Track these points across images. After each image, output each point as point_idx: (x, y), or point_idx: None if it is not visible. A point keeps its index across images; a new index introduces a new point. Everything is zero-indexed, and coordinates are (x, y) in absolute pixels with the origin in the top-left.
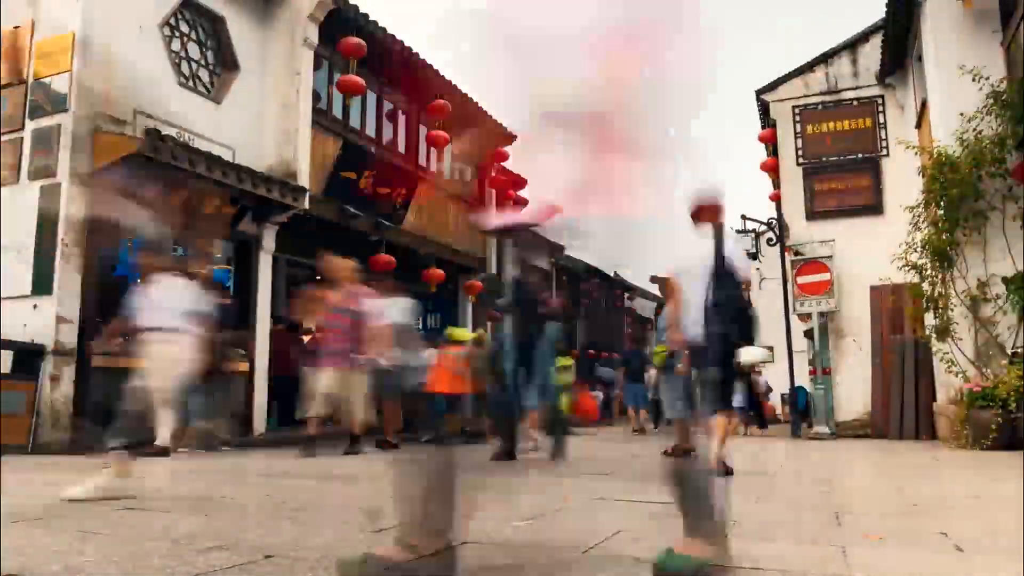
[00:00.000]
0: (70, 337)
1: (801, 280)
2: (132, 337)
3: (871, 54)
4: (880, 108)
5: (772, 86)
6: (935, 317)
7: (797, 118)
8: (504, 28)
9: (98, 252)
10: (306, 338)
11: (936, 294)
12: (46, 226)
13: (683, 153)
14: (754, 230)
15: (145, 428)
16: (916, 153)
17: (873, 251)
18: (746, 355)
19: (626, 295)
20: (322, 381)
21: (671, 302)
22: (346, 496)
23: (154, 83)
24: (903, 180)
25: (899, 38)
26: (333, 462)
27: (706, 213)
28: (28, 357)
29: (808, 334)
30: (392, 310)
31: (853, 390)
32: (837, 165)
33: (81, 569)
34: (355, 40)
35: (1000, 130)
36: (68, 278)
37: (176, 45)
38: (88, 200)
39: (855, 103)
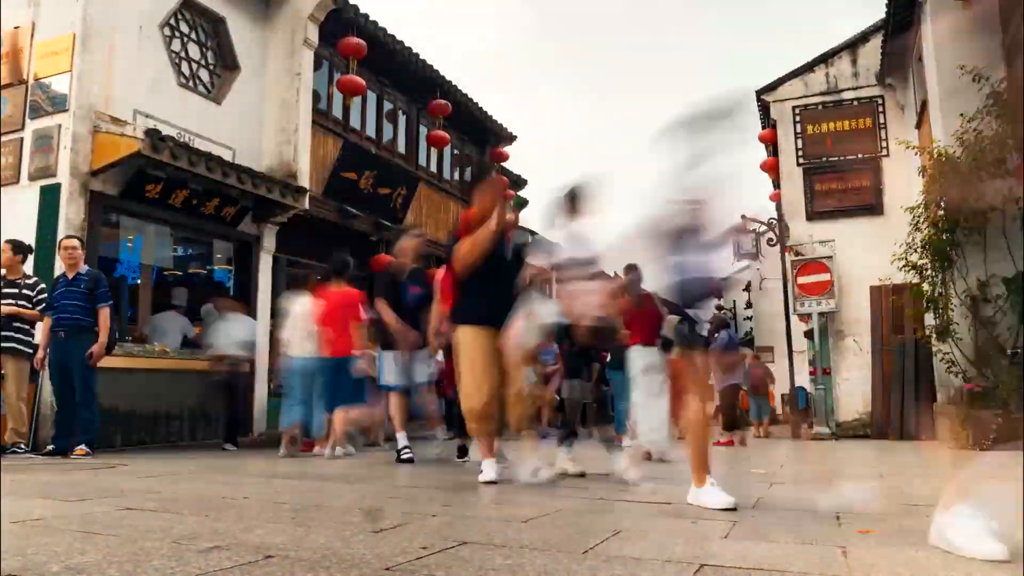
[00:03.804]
0: None
1: (801, 280)
2: None
3: (871, 54)
4: (880, 108)
5: (772, 86)
6: (935, 317)
7: (797, 118)
8: None
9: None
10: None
11: (936, 294)
12: (46, 226)
13: None
14: (754, 230)
15: None
16: (916, 153)
17: (873, 251)
18: None
19: None
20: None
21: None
22: (346, 496)
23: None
24: (903, 180)
25: (899, 38)
26: (335, 462)
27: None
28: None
29: (808, 334)
30: None
31: (853, 390)
32: (837, 165)
33: (81, 569)
34: (355, 40)
35: (1000, 130)
36: None
37: (176, 45)
38: None
39: (855, 103)
